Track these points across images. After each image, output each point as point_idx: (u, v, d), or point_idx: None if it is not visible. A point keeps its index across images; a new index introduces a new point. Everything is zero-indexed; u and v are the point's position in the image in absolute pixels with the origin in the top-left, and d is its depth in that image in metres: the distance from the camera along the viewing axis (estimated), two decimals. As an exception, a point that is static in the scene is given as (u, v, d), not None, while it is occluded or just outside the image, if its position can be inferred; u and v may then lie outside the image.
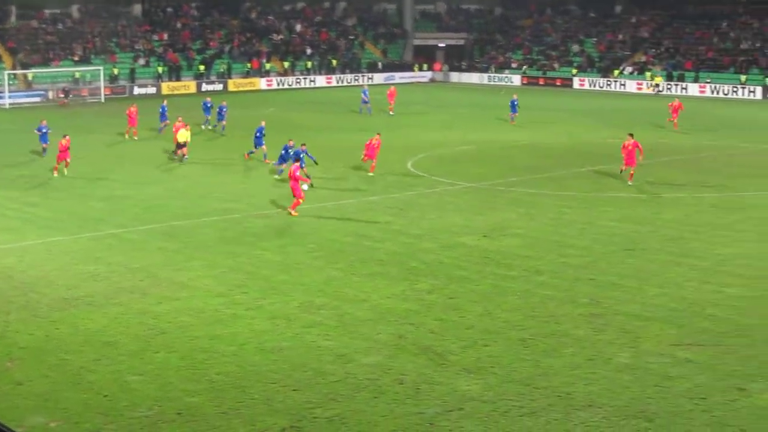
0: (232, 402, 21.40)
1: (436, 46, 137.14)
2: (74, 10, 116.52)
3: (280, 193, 45.37)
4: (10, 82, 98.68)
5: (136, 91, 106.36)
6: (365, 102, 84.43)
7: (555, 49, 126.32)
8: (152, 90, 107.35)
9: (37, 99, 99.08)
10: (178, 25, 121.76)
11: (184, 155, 55.58)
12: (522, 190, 47.13)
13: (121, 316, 27.77)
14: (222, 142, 65.38)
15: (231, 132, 68.11)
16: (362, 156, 51.61)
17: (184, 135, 55.40)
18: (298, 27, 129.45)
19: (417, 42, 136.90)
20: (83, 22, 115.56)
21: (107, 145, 64.31)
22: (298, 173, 41.06)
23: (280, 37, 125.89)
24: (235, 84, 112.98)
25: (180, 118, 58.00)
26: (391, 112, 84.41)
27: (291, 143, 49.40)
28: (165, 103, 71.25)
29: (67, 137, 51.53)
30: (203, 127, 70.82)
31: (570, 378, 22.75)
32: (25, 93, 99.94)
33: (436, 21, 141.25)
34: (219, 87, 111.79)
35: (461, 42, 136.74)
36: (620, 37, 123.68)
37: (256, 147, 56.12)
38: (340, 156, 55.40)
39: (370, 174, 50.86)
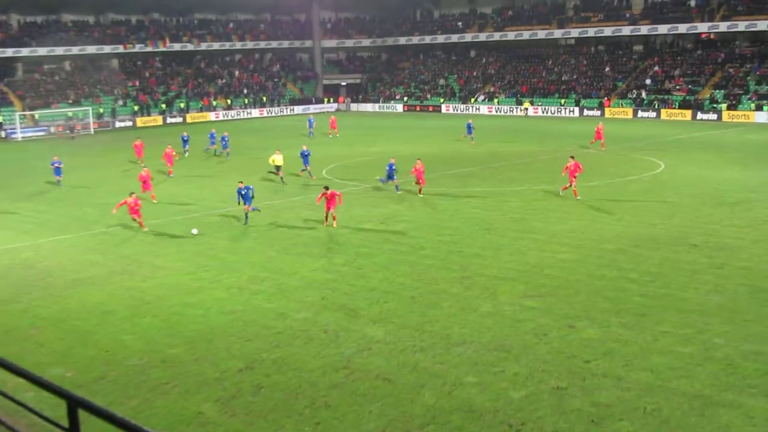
0: (202, 351, 21.42)
1: (340, 84, 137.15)
2: (66, 65, 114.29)
3: (229, 196, 45.30)
4: (21, 121, 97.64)
5: (117, 124, 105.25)
6: (311, 127, 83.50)
7: (427, 84, 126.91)
8: (129, 123, 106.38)
9: (42, 133, 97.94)
10: (147, 74, 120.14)
11: (281, 177, 51.11)
12: (407, 188, 47.45)
13: (115, 291, 27.61)
14: (188, 162, 64.48)
15: (192, 155, 67.55)
16: (415, 180, 44.94)
17: (278, 160, 51.27)
18: (237, 73, 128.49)
19: (326, 81, 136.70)
20: (74, 74, 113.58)
21: (115, 167, 63.20)
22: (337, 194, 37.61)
23: (223, 81, 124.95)
24: (191, 117, 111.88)
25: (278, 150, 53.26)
26: (330, 135, 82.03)
27: (393, 161, 46.41)
28: (214, 130, 70.34)
29: (146, 169, 47.78)
30: (205, 151, 68.81)
31: (448, 323, 23.10)
32: (33, 129, 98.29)
33: (339, 66, 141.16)
34: (179, 120, 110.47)
35: (358, 81, 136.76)
36: (474, 73, 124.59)
37: (305, 165, 52.33)
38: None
39: (420, 196, 45.00)
